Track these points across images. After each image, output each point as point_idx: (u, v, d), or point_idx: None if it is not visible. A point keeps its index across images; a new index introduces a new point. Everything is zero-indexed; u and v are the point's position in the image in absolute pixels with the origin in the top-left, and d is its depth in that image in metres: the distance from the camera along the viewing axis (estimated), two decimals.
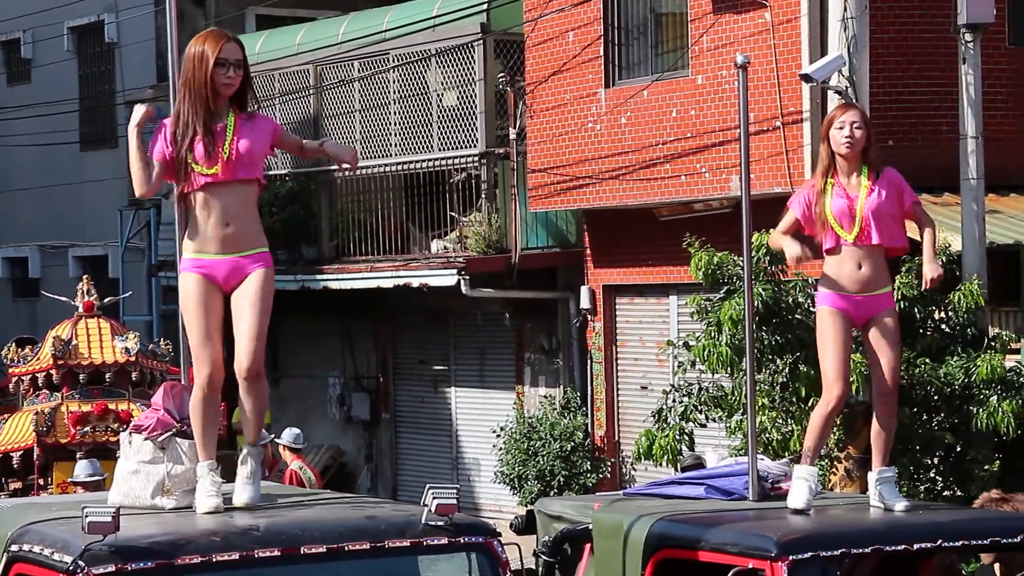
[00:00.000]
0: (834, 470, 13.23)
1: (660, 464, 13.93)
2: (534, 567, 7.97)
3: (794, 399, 13.21)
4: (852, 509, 7.80)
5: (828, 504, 7.86)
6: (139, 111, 7.14)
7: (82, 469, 13.37)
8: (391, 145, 21.47)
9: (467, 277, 19.91)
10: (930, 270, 8.00)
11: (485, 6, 20.30)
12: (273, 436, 16.91)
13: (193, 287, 7.07)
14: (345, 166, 7.57)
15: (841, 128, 7.85)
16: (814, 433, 7.80)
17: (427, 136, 20.96)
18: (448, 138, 20.72)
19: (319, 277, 21.89)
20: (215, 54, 7.05)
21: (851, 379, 7.99)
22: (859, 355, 12.28)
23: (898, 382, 8.00)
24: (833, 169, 7.87)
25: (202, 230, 7.07)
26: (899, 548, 6.95)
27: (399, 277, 20.83)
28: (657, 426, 13.90)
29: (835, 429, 13.29)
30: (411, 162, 21.14)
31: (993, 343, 13.38)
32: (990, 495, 8.43)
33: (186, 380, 7.57)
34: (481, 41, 20.21)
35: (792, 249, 7.82)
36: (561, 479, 19.09)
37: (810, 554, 6.74)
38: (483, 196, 20.34)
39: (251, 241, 7.11)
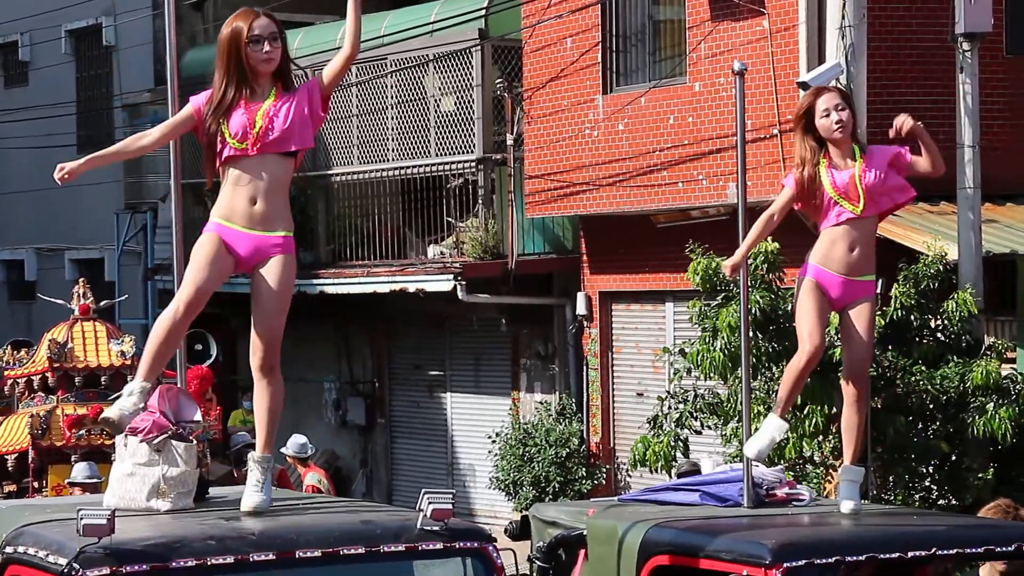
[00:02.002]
0: (830, 478, 13.24)
1: (655, 471, 13.93)
2: (528, 572, 7.98)
3: (789, 407, 13.20)
4: (847, 516, 7.80)
5: (823, 511, 7.86)
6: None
7: (80, 471, 13.39)
8: (388, 150, 21.48)
9: (463, 282, 19.92)
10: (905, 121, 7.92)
11: (483, 12, 20.32)
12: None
13: (208, 243, 6.97)
14: None
15: (827, 115, 7.81)
16: (787, 385, 7.89)
17: (424, 141, 20.97)
18: (445, 143, 20.73)
19: (316, 282, 21.89)
20: (247, 31, 6.97)
21: (825, 339, 8.02)
22: None
23: (869, 366, 8.03)
24: (824, 151, 7.85)
25: (230, 203, 6.98)
26: (894, 556, 6.96)
27: (395, 282, 20.83)
28: (652, 433, 13.91)
29: (831, 436, 13.32)
30: (408, 167, 21.15)
31: (988, 352, 13.39)
32: (1000, 504, 8.40)
33: (182, 383, 7.57)
34: (479, 47, 20.23)
35: (736, 256, 7.88)
36: (556, 485, 19.09)
37: (804, 561, 6.74)
38: (480, 202, 20.35)
39: (278, 221, 7.01)
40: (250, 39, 6.97)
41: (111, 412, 6.95)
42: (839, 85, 13.68)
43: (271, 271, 7.05)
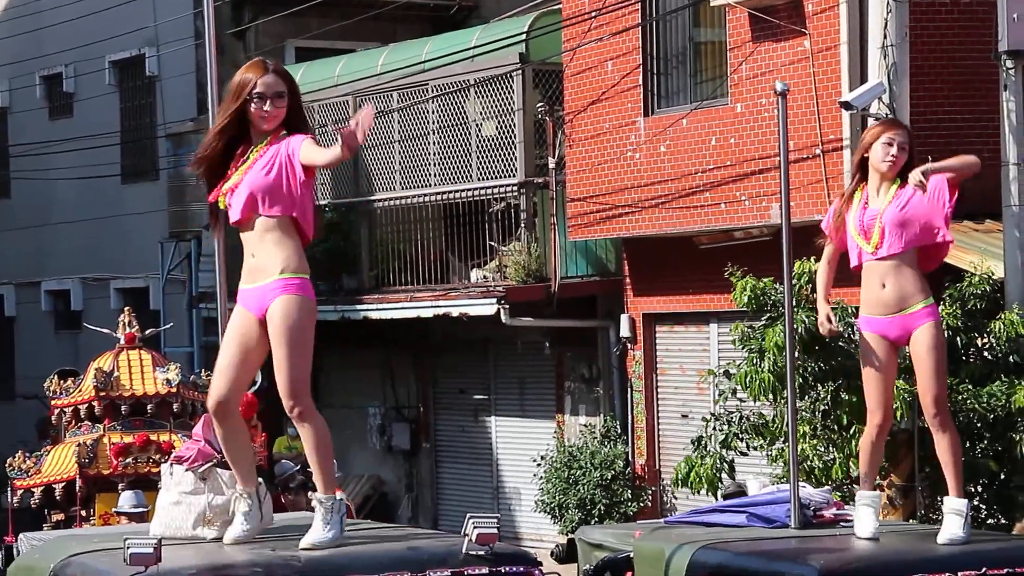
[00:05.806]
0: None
1: (699, 492, 13.88)
2: None
3: (836, 427, 13.15)
4: (894, 537, 7.75)
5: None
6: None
7: (127, 500, 13.43)
8: (430, 175, 21.52)
9: (507, 306, 19.91)
10: (914, 175, 7.73)
11: (524, 36, 20.34)
12: (297, 467, 16.84)
13: (232, 318, 7.09)
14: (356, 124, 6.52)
15: (889, 144, 7.79)
16: (862, 458, 7.87)
17: (466, 166, 21.00)
18: (487, 168, 20.75)
19: (359, 307, 21.92)
20: (252, 86, 7.01)
21: (892, 404, 7.96)
22: (900, 381, 12.26)
23: (943, 394, 7.86)
24: (864, 181, 7.85)
25: (243, 261, 7.09)
26: None
27: (439, 307, 20.84)
28: (697, 454, 13.86)
29: None
30: (450, 192, 21.18)
31: None
32: None
33: None
34: (520, 71, 20.25)
35: (822, 313, 7.91)
36: (602, 508, 19.05)
37: None
38: (522, 225, 20.36)
39: (273, 268, 6.92)
40: (254, 95, 6.95)
41: (235, 534, 6.83)
42: (881, 104, 13.64)
43: (273, 317, 6.91)
